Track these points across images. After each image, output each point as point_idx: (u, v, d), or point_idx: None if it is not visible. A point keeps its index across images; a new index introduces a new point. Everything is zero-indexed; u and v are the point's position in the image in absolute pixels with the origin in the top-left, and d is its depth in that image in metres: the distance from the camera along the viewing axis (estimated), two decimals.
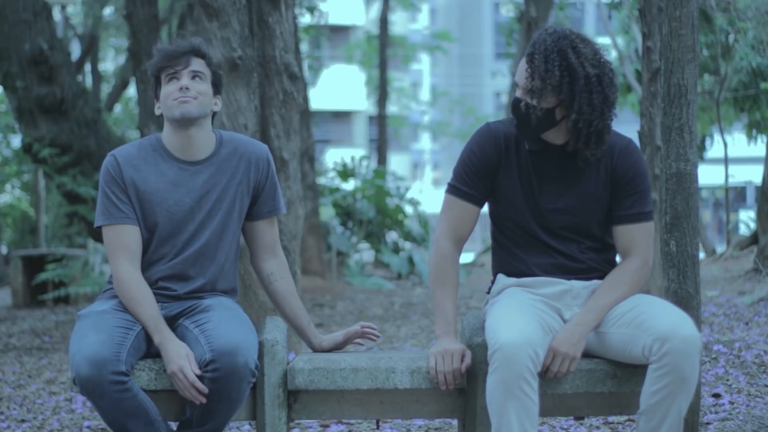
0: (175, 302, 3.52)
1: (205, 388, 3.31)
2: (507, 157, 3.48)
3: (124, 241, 3.49)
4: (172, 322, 3.48)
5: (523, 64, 3.41)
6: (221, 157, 3.57)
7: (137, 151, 3.56)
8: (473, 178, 3.49)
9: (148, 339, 3.43)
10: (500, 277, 3.55)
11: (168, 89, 3.54)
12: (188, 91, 3.51)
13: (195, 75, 3.54)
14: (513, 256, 3.52)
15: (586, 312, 3.38)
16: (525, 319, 3.28)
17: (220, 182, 3.55)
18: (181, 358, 3.32)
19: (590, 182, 3.46)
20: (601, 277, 3.48)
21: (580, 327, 3.35)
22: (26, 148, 10.35)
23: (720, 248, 15.46)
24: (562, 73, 3.33)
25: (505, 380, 3.17)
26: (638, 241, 3.46)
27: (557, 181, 3.47)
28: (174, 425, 3.47)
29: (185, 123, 3.52)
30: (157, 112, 3.59)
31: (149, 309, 3.42)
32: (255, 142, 3.66)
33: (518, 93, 3.43)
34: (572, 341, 3.33)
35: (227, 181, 3.56)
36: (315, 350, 3.69)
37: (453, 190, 3.51)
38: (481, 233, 25.49)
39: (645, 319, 3.27)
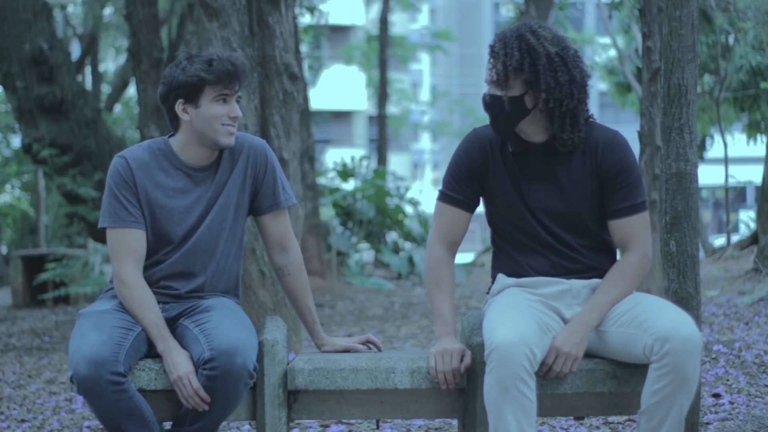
0: (176, 302, 3.52)
1: (207, 397, 3.31)
2: (494, 160, 3.50)
3: (131, 244, 3.47)
4: (172, 323, 3.48)
5: (487, 61, 3.45)
6: (222, 158, 3.57)
7: (148, 155, 3.53)
8: (461, 184, 3.51)
9: (148, 340, 3.43)
10: (500, 277, 3.55)
11: (217, 110, 3.46)
12: (237, 119, 3.49)
13: (238, 99, 3.52)
14: (512, 259, 3.52)
15: (588, 311, 3.38)
16: (521, 318, 3.28)
17: (221, 182, 3.55)
18: (187, 366, 3.32)
19: (576, 176, 3.45)
20: (601, 276, 3.47)
21: (582, 326, 3.35)
22: (26, 148, 10.34)
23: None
24: (522, 54, 3.36)
25: (502, 379, 3.17)
26: (635, 233, 3.45)
27: (542, 179, 3.47)
28: (169, 425, 3.47)
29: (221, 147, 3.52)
30: (185, 117, 3.49)
31: (152, 315, 3.42)
32: (252, 137, 3.64)
33: (487, 90, 3.46)
34: (574, 341, 3.33)
35: (226, 179, 3.55)
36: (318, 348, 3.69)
37: (442, 196, 3.55)
38: (481, 233, 25.50)
39: (646, 318, 3.27)
